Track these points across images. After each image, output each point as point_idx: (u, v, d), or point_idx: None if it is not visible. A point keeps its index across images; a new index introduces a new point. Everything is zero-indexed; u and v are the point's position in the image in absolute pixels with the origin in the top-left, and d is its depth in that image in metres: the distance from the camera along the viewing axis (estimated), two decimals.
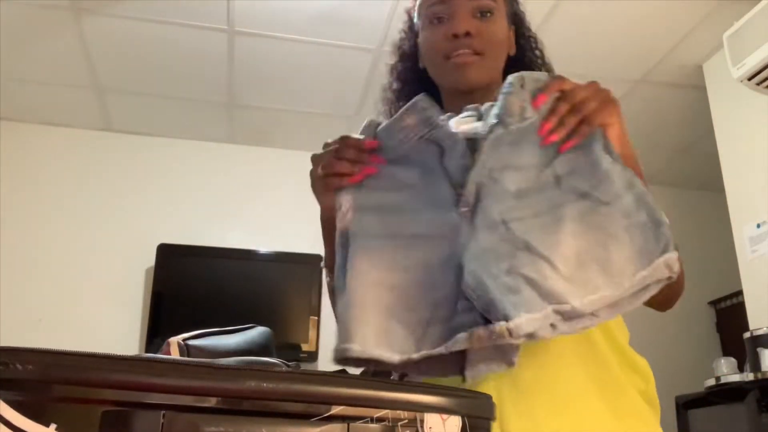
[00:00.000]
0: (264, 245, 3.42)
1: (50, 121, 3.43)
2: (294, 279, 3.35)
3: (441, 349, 0.72)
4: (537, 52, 1.18)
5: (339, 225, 0.84)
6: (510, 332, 0.69)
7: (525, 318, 0.69)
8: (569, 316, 0.71)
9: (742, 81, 2.53)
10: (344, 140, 0.88)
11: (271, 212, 3.52)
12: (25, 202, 3.32)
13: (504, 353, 0.75)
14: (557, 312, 0.71)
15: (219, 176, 3.57)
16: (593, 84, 0.87)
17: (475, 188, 0.79)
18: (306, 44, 2.87)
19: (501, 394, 0.85)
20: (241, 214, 3.52)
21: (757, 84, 2.52)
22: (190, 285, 3.28)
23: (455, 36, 1.04)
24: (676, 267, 0.77)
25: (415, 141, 0.84)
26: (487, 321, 0.71)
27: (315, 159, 0.91)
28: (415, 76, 1.15)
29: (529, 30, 1.19)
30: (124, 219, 3.39)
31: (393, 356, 0.73)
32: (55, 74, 3.07)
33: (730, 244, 2.80)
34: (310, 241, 3.45)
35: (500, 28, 1.08)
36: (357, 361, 0.74)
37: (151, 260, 3.27)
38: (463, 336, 0.71)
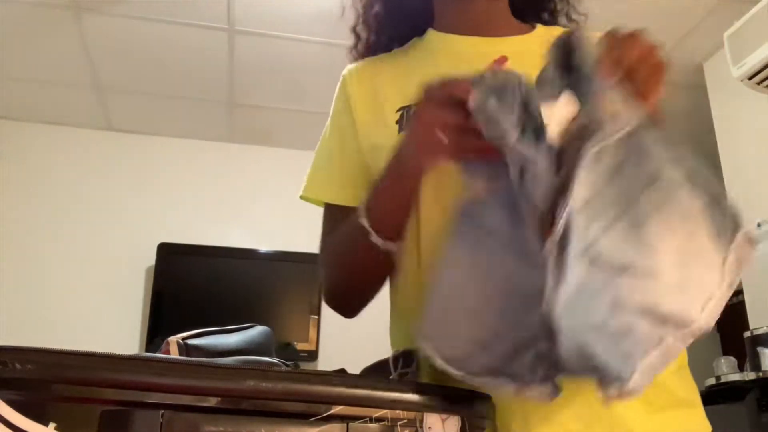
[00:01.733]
0: (264, 244, 3.42)
1: (50, 120, 3.43)
2: (294, 278, 3.36)
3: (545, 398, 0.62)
4: None
5: (468, 193, 0.69)
6: (625, 395, 0.57)
7: (640, 369, 0.57)
8: (691, 335, 0.60)
9: (742, 80, 2.53)
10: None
11: (271, 211, 3.52)
12: (25, 201, 3.32)
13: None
14: (679, 338, 0.59)
15: (219, 175, 3.57)
16: (647, 49, 0.69)
17: (565, 222, 0.61)
18: (306, 43, 2.87)
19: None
20: (242, 213, 3.52)
21: (758, 83, 2.52)
22: (191, 284, 3.28)
23: None
24: (754, 239, 0.65)
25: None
26: None
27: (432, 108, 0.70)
28: None
29: None
30: (124, 218, 3.39)
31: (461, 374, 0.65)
32: (55, 73, 3.07)
33: None
34: (311, 241, 3.45)
35: None
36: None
37: (151, 259, 3.28)
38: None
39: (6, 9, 2.62)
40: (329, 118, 1.03)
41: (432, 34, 1.01)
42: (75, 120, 3.44)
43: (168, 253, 3.28)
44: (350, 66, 1.06)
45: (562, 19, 1.09)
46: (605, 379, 0.57)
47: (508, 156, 0.64)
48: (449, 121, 0.68)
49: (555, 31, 0.98)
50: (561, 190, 0.61)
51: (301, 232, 3.49)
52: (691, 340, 0.61)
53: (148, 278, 3.30)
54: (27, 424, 0.50)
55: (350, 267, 0.90)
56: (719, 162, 2.90)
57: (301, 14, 2.71)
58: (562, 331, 0.58)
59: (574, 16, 1.10)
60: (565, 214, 0.60)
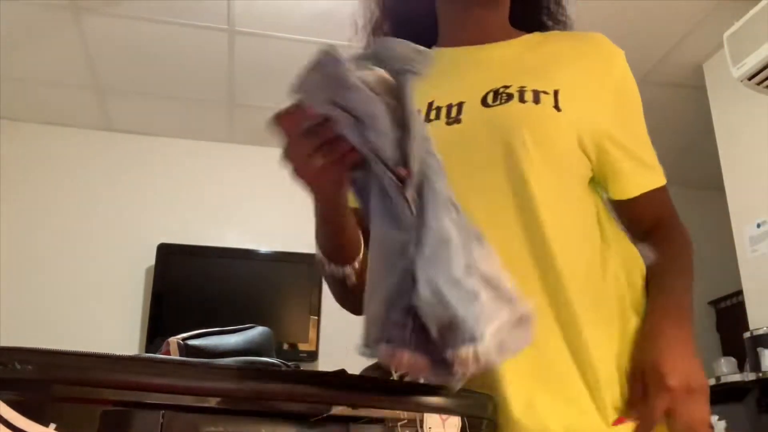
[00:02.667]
0: (264, 245, 3.42)
1: (50, 120, 3.43)
2: (294, 279, 3.35)
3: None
4: None
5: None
6: (477, 358, 0.56)
7: (489, 333, 0.57)
8: (521, 324, 0.60)
9: (742, 81, 2.53)
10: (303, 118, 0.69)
11: (271, 212, 3.52)
12: (25, 201, 3.32)
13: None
14: (516, 320, 0.60)
15: (219, 176, 3.57)
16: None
17: (419, 165, 0.62)
18: (306, 44, 2.87)
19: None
20: (241, 213, 3.52)
21: (758, 84, 2.52)
22: (190, 285, 3.27)
23: None
24: None
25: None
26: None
27: (290, 154, 0.72)
28: None
29: None
30: (124, 219, 3.39)
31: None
32: (55, 74, 3.07)
33: (730, 244, 2.80)
34: (310, 241, 3.45)
35: None
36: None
37: (151, 260, 3.27)
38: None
39: (6, 9, 2.62)
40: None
41: (434, 52, 1.03)
42: (75, 120, 3.44)
43: (168, 253, 3.28)
44: None
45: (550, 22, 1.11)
46: (461, 335, 0.56)
47: (344, 122, 0.64)
48: (306, 148, 0.69)
49: (550, 36, 1.02)
50: (403, 133, 0.62)
51: (300, 233, 3.49)
52: (524, 332, 0.60)
53: (148, 279, 3.29)
54: (27, 424, 0.50)
55: (334, 291, 0.92)
56: (719, 161, 2.90)
57: (301, 15, 2.71)
58: (423, 278, 0.57)
59: (561, 18, 1.11)
60: (413, 151, 0.61)
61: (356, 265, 0.85)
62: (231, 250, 3.37)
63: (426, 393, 0.60)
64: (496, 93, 0.90)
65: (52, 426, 0.50)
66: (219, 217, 3.49)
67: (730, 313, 3.57)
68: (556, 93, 0.90)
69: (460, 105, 0.91)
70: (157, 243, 3.28)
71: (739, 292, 2.91)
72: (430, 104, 0.93)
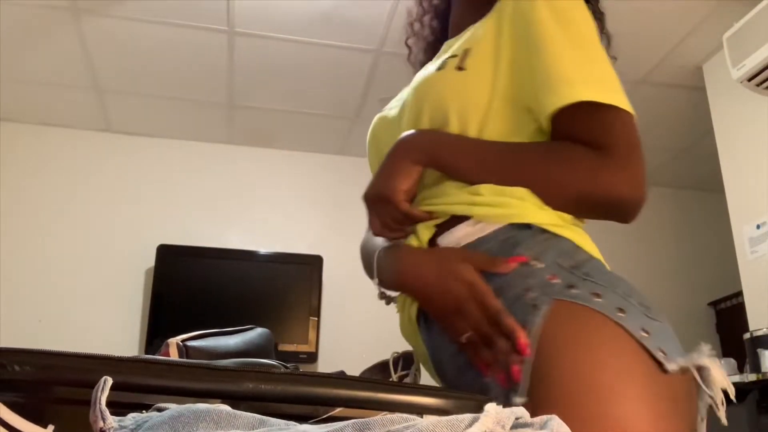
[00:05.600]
0: (264, 246, 3.42)
1: (50, 121, 3.43)
2: (294, 280, 3.35)
3: None
4: None
5: None
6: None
7: None
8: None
9: (741, 82, 2.53)
10: None
11: (270, 213, 3.52)
12: (24, 202, 3.32)
13: None
14: None
15: (219, 177, 3.57)
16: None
17: None
18: (306, 45, 2.87)
19: None
20: (241, 215, 3.52)
21: (757, 85, 2.52)
22: (190, 286, 3.27)
23: None
24: None
25: None
26: None
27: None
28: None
29: None
30: (123, 220, 3.39)
31: None
32: (54, 75, 3.07)
33: (730, 245, 2.80)
34: (310, 242, 3.46)
35: None
36: None
37: (150, 261, 3.27)
38: None
39: (6, 11, 2.62)
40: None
41: None
42: (74, 122, 3.44)
43: (167, 254, 3.28)
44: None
45: None
46: None
47: None
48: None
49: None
50: None
51: (300, 234, 3.50)
52: None
53: (148, 280, 3.29)
54: (25, 425, 0.50)
55: None
56: (719, 163, 2.90)
57: (301, 16, 2.71)
58: None
59: None
60: None
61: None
62: (230, 251, 3.37)
63: (424, 395, 0.60)
64: (442, 64, 0.93)
65: (51, 427, 0.49)
66: (218, 218, 3.49)
67: (729, 314, 3.57)
68: (465, 52, 0.90)
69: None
70: (156, 244, 3.28)
71: (739, 294, 2.91)
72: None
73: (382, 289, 0.87)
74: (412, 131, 0.89)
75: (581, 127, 0.82)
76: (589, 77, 0.84)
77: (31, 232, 3.29)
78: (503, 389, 0.68)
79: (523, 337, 0.68)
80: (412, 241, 0.86)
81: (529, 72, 0.84)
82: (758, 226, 2.67)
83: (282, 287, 3.35)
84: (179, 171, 3.54)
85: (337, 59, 2.95)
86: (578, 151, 0.80)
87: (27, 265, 3.23)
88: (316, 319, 3.28)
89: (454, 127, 0.87)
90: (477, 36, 0.92)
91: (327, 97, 3.23)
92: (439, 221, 0.84)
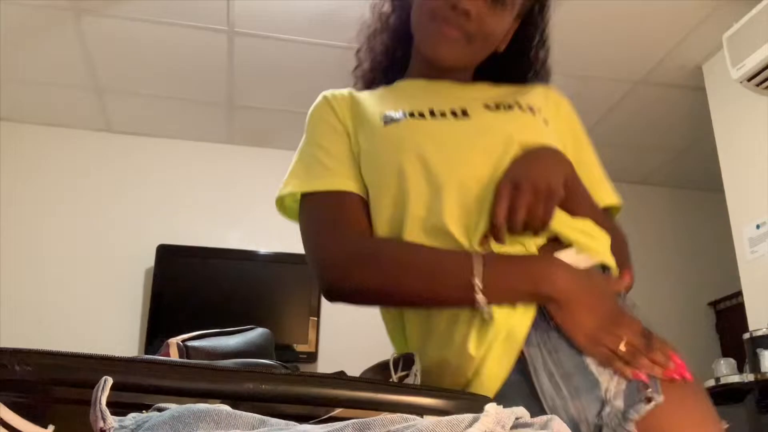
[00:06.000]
0: (263, 246, 3.42)
1: (50, 121, 3.43)
2: (294, 280, 3.35)
3: None
4: (534, 54, 1.12)
5: None
6: None
7: None
8: None
9: (741, 82, 2.53)
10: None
11: (270, 213, 3.47)
12: (24, 202, 3.32)
13: None
14: None
15: (218, 177, 3.57)
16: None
17: None
18: (306, 45, 2.87)
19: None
20: (241, 214, 3.52)
21: (757, 85, 2.52)
22: (190, 286, 3.27)
23: (453, 7, 0.95)
24: None
25: None
26: None
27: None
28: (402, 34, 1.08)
29: (538, 30, 1.13)
30: (123, 220, 3.39)
31: None
32: (55, 75, 3.06)
33: (730, 245, 2.80)
34: None
35: (502, 23, 1.00)
36: None
37: (150, 261, 3.27)
38: None
39: (6, 11, 2.62)
40: (311, 129, 1.09)
41: (404, 82, 1.10)
42: (74, 121, 3.44)
43: (167, 254, 3.28)
44: (330, 91, 1.13)
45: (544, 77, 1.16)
46: None
47: None
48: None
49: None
50: None
51: (300, 235, 3.49)
52: None
53: (148, 280, 3.29)
54: (25, 425, 0.50)
55: (420, 291, 0.88)
56: (719, 163, 2.90)
57: (301, 16, 2.71)
58: None
59: (543, 75, 1.15)
60: None
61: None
62: (230, 251, 3.36)
63: (424, 395, 0.60)
64: (497, 104, 0.99)
65: (51, 427, 0.49)
66: (218, 218, 3.49)
67: (729, 314, 3.57)
68: (540, 111, 1.00)
69: (464, 110, 0.97)
70: (156, 244, 3.27)
71: (739, 293, 2.91)
72: (432, 110, 0.97)
73: (483, 299, 0.81)
74: (553, 147, 0.93)
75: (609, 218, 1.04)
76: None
77: (31, 232, 3.29)
78: (641, 390, 0.77)
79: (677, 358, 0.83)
80: (514, 249, 0.86)
81: (581, 164, 0.97)
82: (758, 226, 2.67)
83: (282, 287, 3.35)
84: (179, 171, 3.54)
85: (337, 59, 2.95)
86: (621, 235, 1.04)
87: (27, 265, 3.23)
88: (316, 319, 3.28)
89: None
90: (536, 103, 1.01)
91: None
92: (543, 237, 0.88)
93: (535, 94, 1.04)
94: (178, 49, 2.90)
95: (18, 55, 2.90)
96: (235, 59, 2.97)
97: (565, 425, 0.54)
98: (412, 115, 0.97)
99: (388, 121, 0.97)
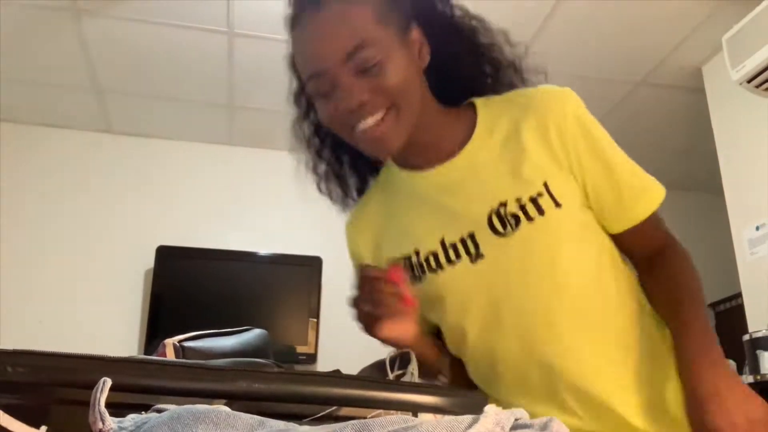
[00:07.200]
0: (263, 247, 3.41)
1: (50, 122, 3.43)
2: (293, 281, 3.35)
3: None
4: (478, 39, 1.00)
5: None
6: None
7: None
8: None
9: (741, 83, 2.53)
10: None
11: (270, 214, 3.51)
12: (24, 203, 3.32)
13: None
14: None
15: (218, 178, 3.57)
16: None
17: None
18: None
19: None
20: (241, 216, 3.51)
21: (756, 86, 2.52)
22: (190, 287, 3.27)
23: (351, 112, 0.88)
24: None
25: None
26: None
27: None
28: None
29: (455, 17, 0.99)
30: (123, 221, 3.39)
31: None
32: (55, 76, 3.07)
33: (729, 247, 2.80)
34: (310, 243, 3.45)
35: (395, 67, 0.88)
36: None
37: (150, 262, 3.27)
38: None
39: (6, 11, 2.62)
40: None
41: (394, 173, 1.06)
42: (74, 122, 3.44)
43: (167, 255, 3.28)
44: (348, 219, 1.14)
45: (509, 77, 1.05)
46: None
47: None
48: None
49: (494, 122, 0.99)
50: None
51: (300, 235, 3.49)
52: None
53: (147, 281, 3.29)
54: (19, 427, 0.50)
55: None
56: (718, 164, 2.90)
57: None
58: None
59: (524, 75, 1.05)
60: None
61: (442, 378, 1.00)
62: (230, 252, 3.36)
63: (420, 392, 0.60)
64: (500, 217, 0.93)
65: (44, 428, 0.49)
66: (218, 219, 3.49)
67: (729, 315, 3.56)
68: (546, 186, 0.93)
69: (472, 236, 0.95)
70: (156, 245, 3.27)
71: (738, 295, 2.90)
72: (443, 242, 0.96)
73: None
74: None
75: (647, 235, 1.04)
76: (642, 187, 1.04)
77: (30, 233, 3.29)
78: None
79: None
80: None
81: (606, 189, 0.97)
82: (757, 228, 2.67)
83: (281, 288, 3.35)
84: (179, 172, 3.54)
85: None
86: (691, 278, 1.02)
87: (27, 265, 3.23)
88: (316, 320, 3.28)
89: (563, 264, 0.94)
90: (543, 160, 0.95)
91: None
92: None
93: (536, 148, 0.95)
94: (179, 50, 2.90)
95: (18, 55, 2.90)
96: (235, 60, 2.97)
97: (564, 426, 0.54)
98: (429, 265, 0.97)
99: (415, 273, 0.99)
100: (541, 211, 0.92)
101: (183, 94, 3.22)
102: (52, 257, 3.27)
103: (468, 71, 1.02)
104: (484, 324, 0.94)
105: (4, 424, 0.49)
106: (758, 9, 2.43)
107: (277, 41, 2.89)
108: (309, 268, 3.34)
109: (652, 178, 1.05)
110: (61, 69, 3.01)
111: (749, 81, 2.50)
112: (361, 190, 1.12)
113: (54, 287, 3.22)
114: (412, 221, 1.00)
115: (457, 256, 0.95)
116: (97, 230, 3.36)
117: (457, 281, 0.95)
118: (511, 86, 1.03)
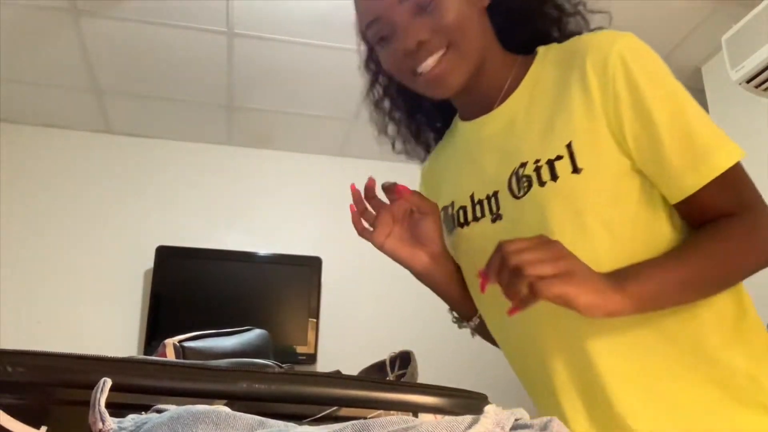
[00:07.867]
0: (263, 247, 3.42)
1: (49, 123, 3.43)
2: (293, 281, 3.35)
3: None
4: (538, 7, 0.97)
5: None
6: None
7: None
8: None
9: (740, 84, 2.53)
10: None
11: (270, 214, 3.51)
12: (24, 204, 3.32)
13: None
14: None
15: (218, 178, 3.57)
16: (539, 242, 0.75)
17: None
18: (305, 46, 2.86)
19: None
20: (240, 216, 3.52)
21: (756, 87, 2.52)
22: (189, 287, 3.27)
23: (410, 53, 0.88)
24: None
25: None
26: None
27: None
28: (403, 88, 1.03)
29: None
30: (123, 221, 3.39)
31: None
32: (54, 76, 3.07)
33: None
34: (309, 244, 3.46)
35: (452, 4, 0.87)
36: None
37: (149, 262, 3.27)
38: None
39: (5, 12, 2.62)
40: None
41: (457, 123, 1.07)
42: (74, 123, 3.44)
43: (167, 255, 3.28)
44: (424, 165, 1.16)
45: (573, 24, 1.01)
46: None
47: None
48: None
49: (542, 73, 0.94)
50: None
51: (300, 235, 3.49)
52: None
53: (147, 281, 3.29)
54: (19, 427, 0.50)
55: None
56: None
57: (300, 17, 2.71)
58: None
59: (587, 16, 1.01)
60: None
61: (474, 322, 1.01)
62: (230, 252, 3.36)
63: (420, 393, 0.60)
64: (518, 178, 0.89)
65: (44, 429, 0.49)
66: (218, 219, 3.49)
67: None
68: (569, 148, 0.85)
69: (495, 195, 0.93)
70: (155, 245, 3.27)
71: None
72: (472, 197, 0.97)
73: None
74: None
75: (719, 199, 0.94)
76: (709, 146, 0.93)
77: (30, 233, 3.29)
78: None
79: None
80: None
81: (650, 158, 0.86)
82: None
83: (281, 288, 3.35)
84: (178, 172, 3.54)
85: (336, 61, 2.95)
86: (736, 231, 0.89)
87: (26, 266, 3.23)
88: (315, 320, 3.28)
89: (600, 234, 0.84)
90: (576, 120, 0.85)
91: (326, 98, 3.22)
92: None
93: (575, 98, 0.86)
94: (178, 51, 2.90)
95: (17, 55, 2.90)
96: (234, 61, 2.97)
97: (564, 426, 0.54)
98: (457, 219, 0.99)
99: (447, 224, 1.02)
100: (554, 177, 0.84)
101: (182, 95, 3.22)
102: (52, 257, 3.27)
103: (532, 14, 0.98)
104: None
105: (4, 424, 0.49)
106: (758, 9, 2.43)
107: (277, 41, 2.90)
108: (309, 268, 3.34)
109: (723, 139, 0.94)
110: (60, 69, 3.01)
111: (749, 81, 2.50)
112: (436, 142, 1.15)
113: (54, 287, 3.22)
114: (453, 173, 1.03)
115: (482, 213, 0.94)
116: (96, 230, 3.36)
117: (477, 239, 0.95)
118: (578, 34, 0.97)
